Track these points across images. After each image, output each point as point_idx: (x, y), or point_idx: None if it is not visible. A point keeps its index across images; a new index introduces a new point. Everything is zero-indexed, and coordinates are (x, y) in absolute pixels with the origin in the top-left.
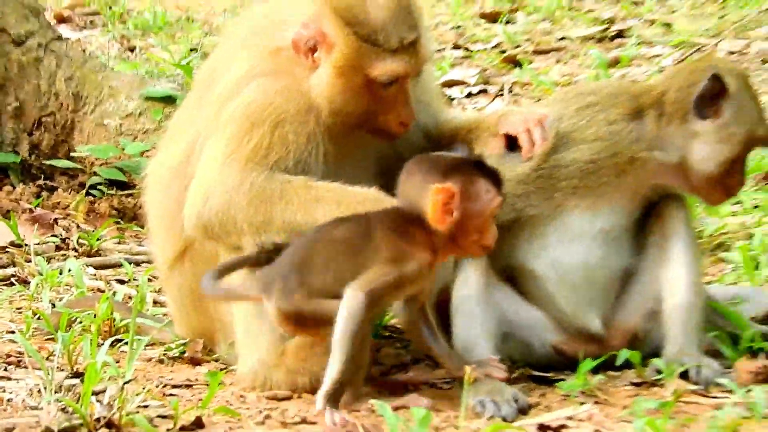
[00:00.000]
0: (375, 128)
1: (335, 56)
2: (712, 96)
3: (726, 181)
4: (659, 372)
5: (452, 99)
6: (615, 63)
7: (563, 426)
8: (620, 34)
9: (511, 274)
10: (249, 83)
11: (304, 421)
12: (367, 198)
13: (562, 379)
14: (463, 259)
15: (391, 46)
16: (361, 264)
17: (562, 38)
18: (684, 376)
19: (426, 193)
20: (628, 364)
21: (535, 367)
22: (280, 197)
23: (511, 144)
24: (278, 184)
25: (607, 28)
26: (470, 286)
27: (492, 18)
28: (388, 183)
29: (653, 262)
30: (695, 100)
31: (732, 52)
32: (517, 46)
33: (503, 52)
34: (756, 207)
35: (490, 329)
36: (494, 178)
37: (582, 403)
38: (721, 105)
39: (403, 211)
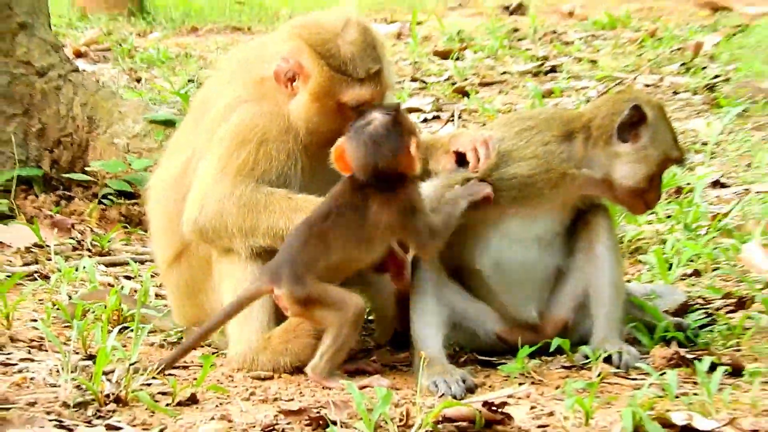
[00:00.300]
0: None
1: (311, 85)
2: (632, 123)
3: (645, 195)
4: (586, 357)
5: None
6: (549, 94)
7: (504, 403)
8: (553, 70)
9: (459, 273)
10: (237, 108)
11: (280, 398)
12: None
13: (504, 363)
14: (419, 260)
15: (359, 76)
16: (366, 235)
17: (503, 72)
18: (607, 360)
19: (404, 151)
20: (560, 350)
21: (480, 353)
22: (265, 207)
23: (461, 160)
24: (263, 196)
25: (542, 64)
26: (425, 284)
27: (444, 55)
28: None
29: (581, 262)
30: (618, 127)
31: (648, 85)
32: (466, 79)
33: (454, 84)
34: (668, 217)
35: (442, 321)
36: None
37: (521, 384)
38: (640, 131)
39: (373, 175)
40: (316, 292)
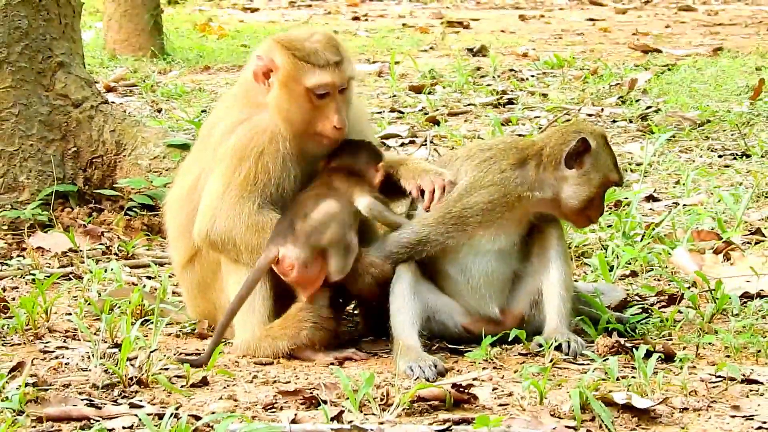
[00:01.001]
0: (316, 133)
1: (281, 74)
2: (578, 152)
3: (588, 213)
4: (540, 346)
5: (390, 147)
6: (507, 122)
7: (470, 385)
8: (510, 102)
9: (433, 275)
10: (236, 128)
11: (279, 381)
12: None
13: (470, 351)
14: (399, 261)
15: (320, 63)
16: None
17: (468, 104)
18: (558, 348)
19: (371, 168)
20: (517, 340)
21: (450, 342)
22: (271, 227)
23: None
24: (268, 219)
25: (500, 97)
26: (403, 281)
27: (418, 90)
28: None
29: (536, 265)
30: (565, 156)
31: (590, 115)
32: (436, 110)
33: (426, 114)
34: (609, 226)
35: (417, 314)
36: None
37: (484, 369)
38: (584, 159)
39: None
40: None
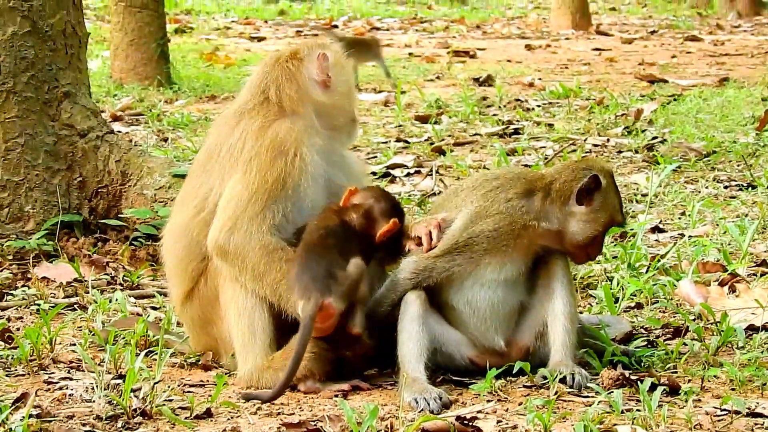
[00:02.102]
0: (348, 122)
1: (338, 70)
2: (589, 189)
3: (589, 250)
4: (545, 378)
5: (395, 177)
6: (512, 152)
7: (475, 417)
8: (516, 132)
9: (440, 306)
10: (272, 125)
11: (283, 413)
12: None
13: (474, 383)
14: (409, 292)
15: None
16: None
17: (474, 134)
18: (563, 381)
19: (380, 223)
20: (522, 372)
21: (455, 374)
22: (279, 259)
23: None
24: (281, 246)
25: (506, 127)
26: (412, 311)
27: (424, 120)
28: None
29: (541, 297)
30: (577, 191)
31: (596, 145)
32: (442, 140)
33: (432, 143)
34: (614, 257)
35: (425, 345)
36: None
37: (488, 401)
38: (594, 196)
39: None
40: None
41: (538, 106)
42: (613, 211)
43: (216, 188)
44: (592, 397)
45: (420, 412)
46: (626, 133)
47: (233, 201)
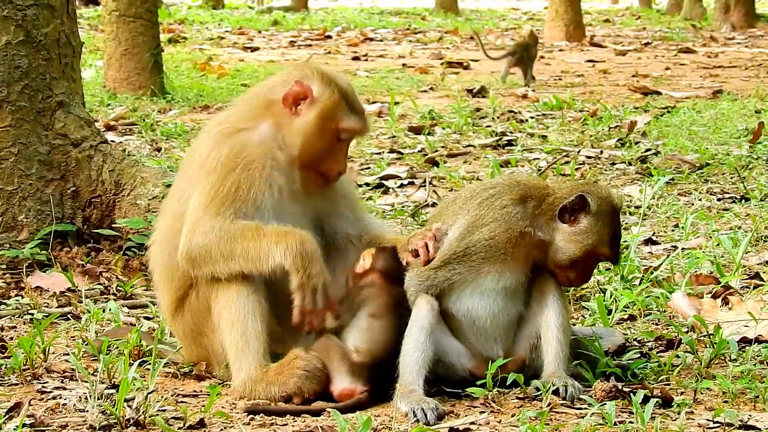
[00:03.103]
0: (320, 171)
1: (320, 106)
2: (574, 209)
3: (569, 274)
4: (538, 389)
5: (389, 188)
6: (506, 164)
7: (468, 429)
8: (510, 143)
9: (442, 315)
10: (231, 137)
11: (276, 423)
12: (299, 234)
13: (468, 395)
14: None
15: (358, 109)
16: None
17: (467, 145)
18: (556, 393)
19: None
20: (516, 384)
21: (450, 385)
22: (242, 236)
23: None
24: (238, 227)
25: (500, 139)
26: (421, 321)
27: (417, 131)
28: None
29: (535, 309)
30: (560, 207)
31: (589, 157)
32: (436, 151)
33: (425, 155)
34: (607, 269)
35: (429, 356)
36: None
37: (482, 412)
38: (579, 217)
39: None
40: None
41: (532, 117)
42: (598, 240)
43: (188, 193)
44: (585, 408)
45: (416, 422)
46: (619, 145)
47: (192, 211)
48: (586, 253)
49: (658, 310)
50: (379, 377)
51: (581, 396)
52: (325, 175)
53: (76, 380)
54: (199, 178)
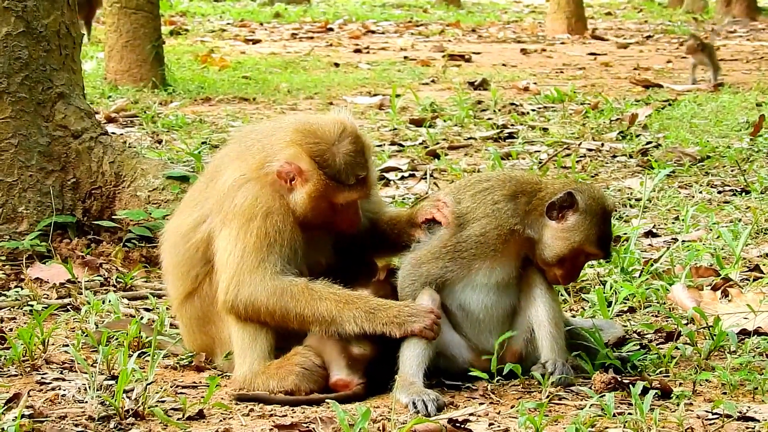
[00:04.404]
0: (333, 228)
1: (309, 188)
2: (563, 206)
3: (556, 271)
4: (541, 374)
5: (389, 180)
6: (506, 156)
7: (467, 420)
8: (511, 136)
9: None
10: (242, 186)
11: (275, 415)
12: (358, 296)
13: (469, 385)
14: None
15: (350, 182)
16: None
17: (468, 138)
18: (544, 375)
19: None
20: (514, 375)
21: (454, 377)
22: (291, 297)
23: (430, 225)
24: (288, 285)
25: (501, 131)
26: None
27: (418, 123)
28: (340, 252)
29: (524, 303)
30: (548, 205)
31: (590, 150)
32: (437, 143)
33: (426, 147)
34: (607, 262)
35: (429, 352)
36: None
37: (481, 404)
38: (567, 214)
39: None
40: None
41: (533, 110)
42: (585, 239)
43: (209, 219)
44: (584, 400)
45: (416, 413)
46: (621, 138)
47: (230, 259)
48: (572, 251)
49: (657, 302)
50: (375, 373)
51: (580, 387)
52: (335, 228)
53: (76, 371)
54: (219, 213)
